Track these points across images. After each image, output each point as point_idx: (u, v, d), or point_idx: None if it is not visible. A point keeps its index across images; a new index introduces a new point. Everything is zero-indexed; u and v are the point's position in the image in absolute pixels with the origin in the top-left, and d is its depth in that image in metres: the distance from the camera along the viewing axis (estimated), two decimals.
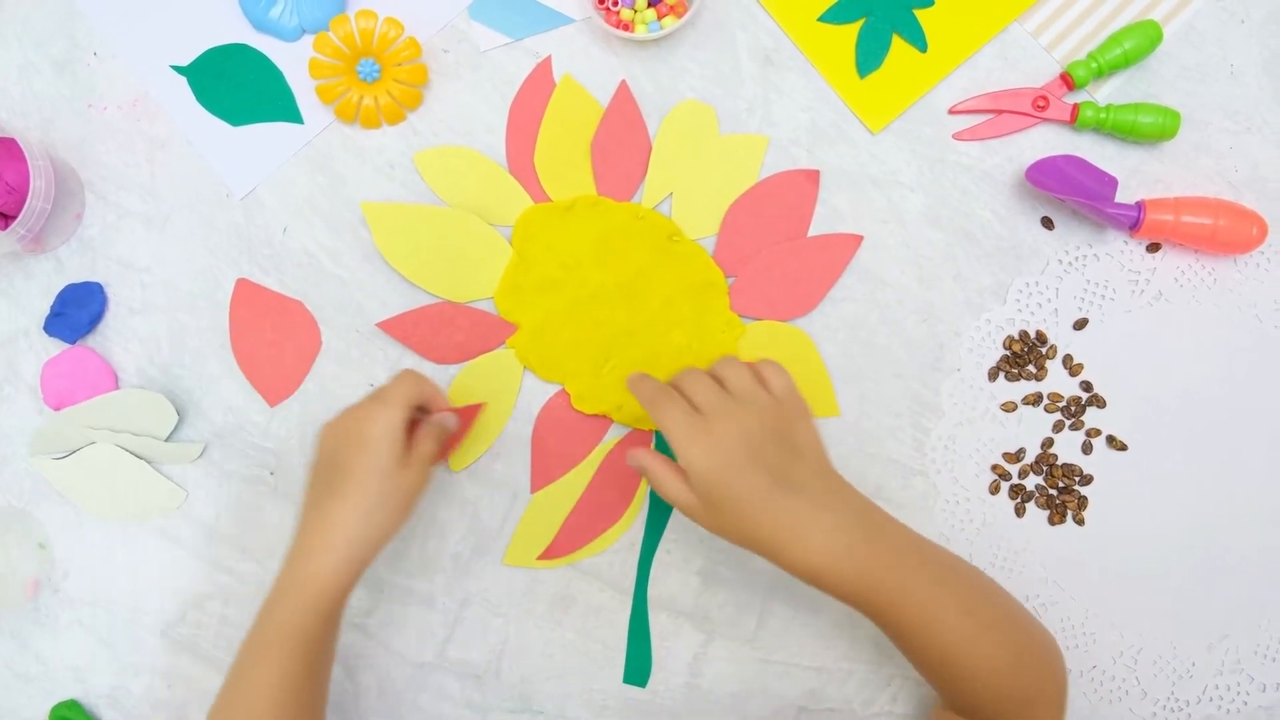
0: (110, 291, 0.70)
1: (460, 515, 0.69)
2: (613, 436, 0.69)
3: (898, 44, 0.70)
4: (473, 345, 0.70)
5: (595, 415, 0.69)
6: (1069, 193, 0.66)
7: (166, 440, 0.69)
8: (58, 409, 0.69)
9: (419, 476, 0.60)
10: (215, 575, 0.70)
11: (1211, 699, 0.68)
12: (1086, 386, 0.69)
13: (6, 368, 0.71)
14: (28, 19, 0.71)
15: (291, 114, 0.71)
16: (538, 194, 0.70)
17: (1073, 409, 0.69)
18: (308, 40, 0.70)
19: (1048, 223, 0.70)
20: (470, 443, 0.69)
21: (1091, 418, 0.69)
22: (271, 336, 0.70)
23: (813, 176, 0.70)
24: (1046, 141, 0.70)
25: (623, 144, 0.70)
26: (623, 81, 0.70)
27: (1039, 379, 0.69)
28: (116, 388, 0.70)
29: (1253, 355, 0.69)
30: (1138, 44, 0.68)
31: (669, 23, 0.69)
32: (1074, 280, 0.69)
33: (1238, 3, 0.70)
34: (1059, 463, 0.69)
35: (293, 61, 0.70)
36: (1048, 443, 0.69)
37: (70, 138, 0.71)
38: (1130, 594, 0.68)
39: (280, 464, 0.70)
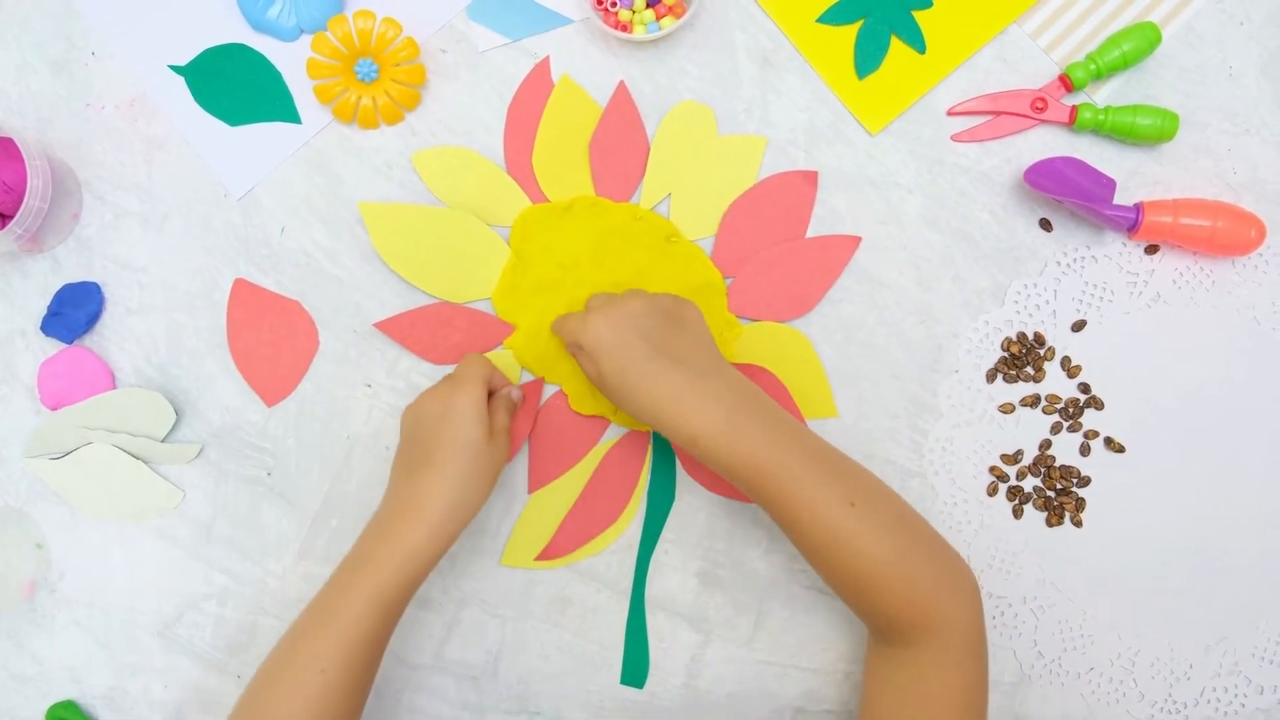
0: (107, 291, 0.70)
1: None
2: (610, 437, 0.69)
3: (896, 45, 0.70)
4: (470, 346, 0.69)
5: (593, 416, 0.69)
6: (1067, 194, 0.66)
7: (163, 440, 0.69)
8: (55, 409, 0.69)
9: (503, 448, 0.62)
10: (212, 575, 0.70)
11: (1209, 701, 0.68)
12: (1084, 388, 0.69)
13: (3, 368, 0.70)
14: (26, 19, 0.71)
15: (289, 114, 0.71)
16: (536, 194, 0.70)
17: (1071, 410, 0.69)
18: (306, 40, 0.70)
19: (1046, 224, 0.70)
20: None
21: (1089, 419, 0.69)
22: (269, 337, 0.70)
23: (811, 178, 0.70)
24: (1045, 143, 0.70)
25: (621, 145, 0.70)
26: (621, 82, 0.70)
27: (1037, 381, 0.69)
28: (114, 388, 0.70)
29: (1251, 357, 0.69)
30: (1136, 46, 0.68)
31: (667, 23, 0.68)
32: (1072, 282, 0.69)
33: (1237, 4, 0.70)
34: (1057, 464, 0.69)
35: (291, 62, 0.70)
36: (1045, 444, 0.69)
37: (67, 137, 0.71)
38: (1128, 596, 0.68)
39: (278, 464, 0.70)
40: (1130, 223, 0.67)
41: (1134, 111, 0.67)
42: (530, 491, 0.69)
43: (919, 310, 0.69)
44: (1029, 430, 0.69)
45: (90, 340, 0.70)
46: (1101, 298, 0.69)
